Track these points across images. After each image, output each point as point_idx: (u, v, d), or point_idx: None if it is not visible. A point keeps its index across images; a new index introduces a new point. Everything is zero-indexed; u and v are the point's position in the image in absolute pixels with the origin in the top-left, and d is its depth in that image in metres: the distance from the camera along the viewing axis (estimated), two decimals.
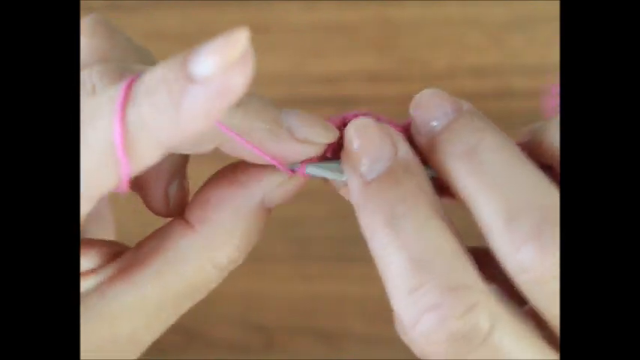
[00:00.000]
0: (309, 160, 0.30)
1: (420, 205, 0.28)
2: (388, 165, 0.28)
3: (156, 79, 0.24)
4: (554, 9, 0.58)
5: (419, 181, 0.28)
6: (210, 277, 0.29)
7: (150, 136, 0.24)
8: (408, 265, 0.27)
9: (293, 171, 0.30)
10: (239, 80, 0.24)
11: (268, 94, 0.30)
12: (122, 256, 0.29)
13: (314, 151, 0.29)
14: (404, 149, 0.29)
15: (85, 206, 0.26)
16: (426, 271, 0.26)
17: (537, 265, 0.26)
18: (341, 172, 0.30)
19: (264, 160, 0.29)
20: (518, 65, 0.61)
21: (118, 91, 0.25)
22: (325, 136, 0.29)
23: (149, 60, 0.32)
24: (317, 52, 0.64)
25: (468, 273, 0.27)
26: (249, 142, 0.28)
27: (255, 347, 0.69)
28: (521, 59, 0.62)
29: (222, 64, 0.23)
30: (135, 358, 0.30)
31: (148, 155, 0.25)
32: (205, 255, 0.29)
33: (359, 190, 0.28)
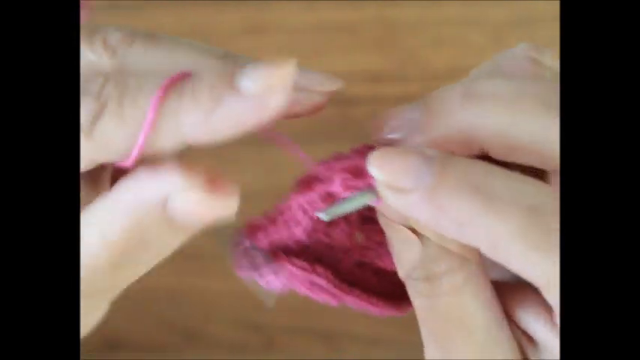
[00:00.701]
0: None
1: (487, 165, 0.28)
2: (433, 167, 0.28)
3: (203, 80, 0.26)
4: (554, 9, 0.58)
5: (460, 158, 0.28)
6: (105, 252, 0.28)
7: (177, 126, 0.26)
8: (521, 213, 0.26)
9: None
10: (274, 103, 0.26)
11: None
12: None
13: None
14: (430, 150, 0.28)
15: (87, 165, 0.27)
16: (540, 213, 0.26)
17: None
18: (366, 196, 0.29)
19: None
20: None
21: (165, 78, 0.26)
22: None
23: None
24: (317, 52, 0.64)
25: None
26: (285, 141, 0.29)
27: (254, 347, 0.69)
28: None
29: (267, 83, 0.25)
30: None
31: (167, 142, 0.27)
32: (102, 225, 0.28)
33: (421, 202, 0.27)
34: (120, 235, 0.28)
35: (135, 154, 0.27)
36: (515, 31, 0.61)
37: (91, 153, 0.27)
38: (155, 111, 0.26)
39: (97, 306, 0.31)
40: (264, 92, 0.26)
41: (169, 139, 0.27)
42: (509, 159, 0.29)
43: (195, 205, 0.27)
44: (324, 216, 0.29)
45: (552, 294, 0.27)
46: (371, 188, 0.29)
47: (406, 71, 0.63)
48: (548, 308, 0.29)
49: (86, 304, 0.29)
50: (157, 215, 0.28)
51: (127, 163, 0.27)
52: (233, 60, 0.28)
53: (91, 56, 0.28)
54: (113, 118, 0.26)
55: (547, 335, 0.30)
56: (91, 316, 0.31)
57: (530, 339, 0.30)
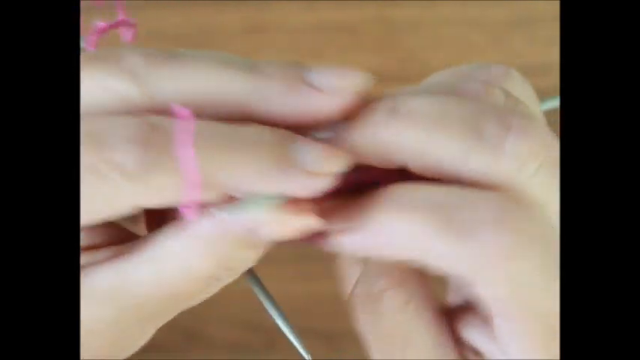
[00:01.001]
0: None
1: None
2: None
3: (263, 147, 0.27)
4: (554, 9, 0.58)
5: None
6: (191, 285, 0.28)
7: (235, 185, 0.26)
8: (431, 212, 0.27)
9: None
10: (325, 184, 0.27)
11: None
12: (128, 242, 0.29)
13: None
14: None
15: (133, 209, 0.27)
16: (449, 208, 0.27)
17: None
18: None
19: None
20: (518, 65, 0.61)
21: (186, 124, 0.26)
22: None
23: None
24: (317, 52, 0.64)
25: None
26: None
27: (255, 347, 0.69)
28: (522, 59, 0.62)
29: (325, 163, 0.27)
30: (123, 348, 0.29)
31: (220, 195, 0.27)
32: (184, 259, 0.28)
33: (366, 236, 0.28)
34: (206, 269, 0.28)
35: (193, 209, 0.27)
36: (515, 31, 0.61)
37: (140, 199, 0.27)
38: (196, 170, 0.26)
39: (151, 331, 0.30)
40: (322, 167, 0.27)
41: (224, 192, 0.27)
42: (428, 176, 0.28)
43: (282, 228, 0.28)
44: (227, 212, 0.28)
45: (479, 286, 0.27)
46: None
47: (406, 71, 0.63)
48: (489, 321, 0.29)
49: (143, 329, 0.29)
50: (243, 242, 0.28)
51: (190, 217, 0.27)
52: (259, 71, 0.28)
53: (114, 84, 0.28)
54: (167, 171, 0.26)
55: (488, 346, 0.30)
56: (142, 340, 0.30)
57: (478, 354, 0.31)
